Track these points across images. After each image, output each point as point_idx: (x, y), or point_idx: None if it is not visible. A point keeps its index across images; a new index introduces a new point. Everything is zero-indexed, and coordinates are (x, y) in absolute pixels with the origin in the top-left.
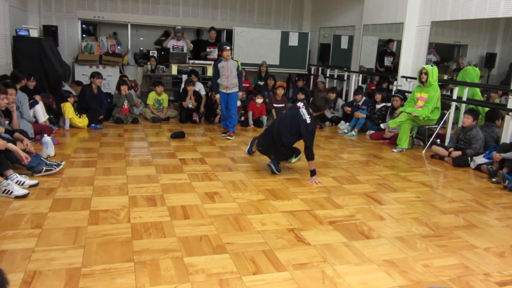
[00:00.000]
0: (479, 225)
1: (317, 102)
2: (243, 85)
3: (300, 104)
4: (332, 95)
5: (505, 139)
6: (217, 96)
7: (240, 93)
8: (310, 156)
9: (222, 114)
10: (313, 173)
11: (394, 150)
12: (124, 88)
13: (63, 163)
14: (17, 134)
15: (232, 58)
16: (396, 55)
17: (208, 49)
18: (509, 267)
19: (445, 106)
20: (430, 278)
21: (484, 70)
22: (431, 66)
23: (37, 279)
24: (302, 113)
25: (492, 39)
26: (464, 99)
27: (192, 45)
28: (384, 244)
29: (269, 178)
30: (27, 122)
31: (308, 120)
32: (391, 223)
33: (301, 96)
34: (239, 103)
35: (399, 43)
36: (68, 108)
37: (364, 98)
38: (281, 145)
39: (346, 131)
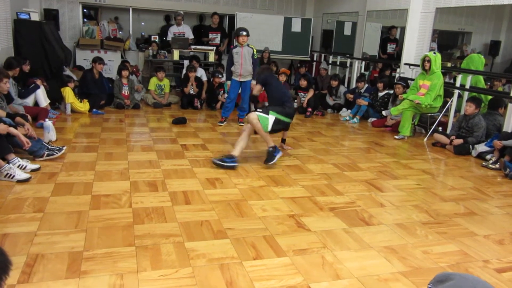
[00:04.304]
0: (479, 213)
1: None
2: None
3: None
4: (334, 82)
5: (507, 127)
6: (228, 82)
7: (254, 82)
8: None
9: (227, 102)
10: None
11: (396, 138)
12: (124, 73)
13: (64, 147)
14: (18, 119)
15: (248, 45)
16: (399, 42)
17: (210, 35)
18: (508, 254)
19: (447, 94)
20: (430, 265)
21: (488, 58)
22: (434, 53)
23: (39, 262)
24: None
25: (497, 26)
26: (467, 86)
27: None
28: (384, 230)
29: (270, 167)
30: (17, 106)
31: None
32: (391, 210)
33: (303, 82)
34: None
35: (403, 29)
36: (68, 93)
37: (366, 85)
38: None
39: (348, 118)
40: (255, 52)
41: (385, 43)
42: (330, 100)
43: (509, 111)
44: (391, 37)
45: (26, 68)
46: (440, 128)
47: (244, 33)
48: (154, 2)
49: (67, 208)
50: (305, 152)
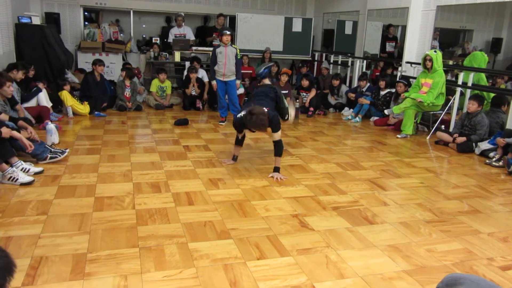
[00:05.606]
0: (483, 211)
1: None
2: (246, 71)
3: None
4: (336, 82)
5: (510, 125)
6: (213, 82)
7: (238, 82)
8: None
9: (219, 102)
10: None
11: (398, 136)
12: (123, 74)
13: (67, 150)
14: (21, 122)
15: (231, 45)
16: (398, 40)
17: (214, 35)
18: None
19: (450, 92)
20: (434, 263)
21: (490, 55)
22: (435, 51)
23: (43, 264)
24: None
25: (499, 23)
26: (470, 84)
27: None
28: (388, 229)
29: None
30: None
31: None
32: (394, 209)
33: (305, 82)
34: (242, 90)
35: (404, 28)
36: (65, 96)
37: (368, 84)
38: None
39: (350, 117)
40: (238, 52)
41: (384, 41)
42: (332, 100)
43: None
44: (390, 35)
45: (31, 73)
46: (443, 126)
47: (228, 32)
48: (155, 4)
49: (71, 210)
50: (307, 152)
